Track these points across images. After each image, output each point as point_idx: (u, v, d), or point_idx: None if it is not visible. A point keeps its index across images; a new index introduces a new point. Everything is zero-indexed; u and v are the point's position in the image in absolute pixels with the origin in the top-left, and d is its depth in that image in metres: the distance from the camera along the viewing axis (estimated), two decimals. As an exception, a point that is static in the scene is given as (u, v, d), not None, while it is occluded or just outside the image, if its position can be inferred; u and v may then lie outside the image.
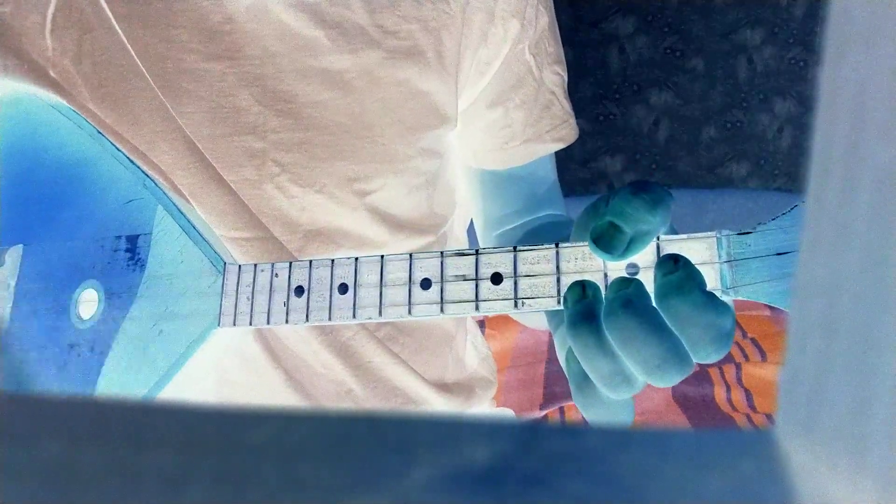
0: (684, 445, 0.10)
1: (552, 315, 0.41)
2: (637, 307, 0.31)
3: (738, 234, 0.32)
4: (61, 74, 0.48)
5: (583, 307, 0.32)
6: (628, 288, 0.32)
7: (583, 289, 0.33)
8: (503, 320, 1.31)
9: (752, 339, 1.25)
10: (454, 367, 0.64)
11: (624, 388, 0.32)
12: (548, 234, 0.57)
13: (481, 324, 1.29)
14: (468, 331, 0.69)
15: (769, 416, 1.05)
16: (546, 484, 0.10)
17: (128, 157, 0.46)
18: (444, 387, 0.61)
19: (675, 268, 0.31)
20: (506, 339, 1.29)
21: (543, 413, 1.09)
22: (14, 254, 0.48)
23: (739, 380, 1.14)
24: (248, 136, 0.49)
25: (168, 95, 0.48)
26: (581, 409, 0.35)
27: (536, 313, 0.47)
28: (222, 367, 0.52)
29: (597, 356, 0.32)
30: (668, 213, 0.32)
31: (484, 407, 0.67)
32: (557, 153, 0.62)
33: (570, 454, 0.10)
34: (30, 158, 0.50)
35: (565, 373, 0.35)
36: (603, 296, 0.33)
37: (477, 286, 0.35)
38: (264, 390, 0.53)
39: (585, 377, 0.33)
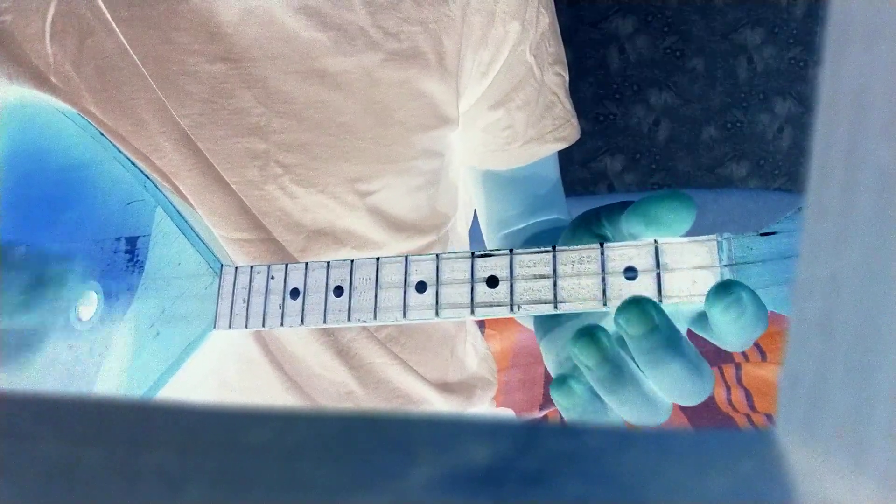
0: (684, 445, 0.10)
1: (539, 323, 0.39)
2: (675, 345, 0.30)
3: (740, 237, 0.31)
4: (63, 80, 0.48)
5: (612, 368, 0.30)
6: (662, 329, 0.29)
7: (594, 341, 0.30)
8: (503, 320, 1.31)
9: (753, 340, 1.25)
10: (454, 367, 0.64)
11: (664, 418, 0.32)
12: (553, 239, 0.57)
13: (481, 324, 1.29)
14: (468, 331, 0.69)
15: (769, 416, 1.05)
16: (546, 484, 0.10)
17: (129, 159, 0.46)
18: (444, 387, 0.61)
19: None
20: (506, 340, 1.29)
21: (543, 413, 1.09)
22: (17, 255, 0.48)
23: (739, 380, 1.14)
24: (250, 138, 0.49)
25: (170, 97, 0.48)
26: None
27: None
28: (222, 370, 0.52)
29: (642, 406, 0.31)
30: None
31: (484, 407, 0.67)
32: (557, 153, 0.62)
33: (570, 454, 0.10)
34: (34, 161, 0.50)
35: (561, 399, 0.32)
36: (602, 308, 0.32)
37: (472, 289, 0.34)
38: (264, 393, 0.53)
39: (597, 404, 0.32)
